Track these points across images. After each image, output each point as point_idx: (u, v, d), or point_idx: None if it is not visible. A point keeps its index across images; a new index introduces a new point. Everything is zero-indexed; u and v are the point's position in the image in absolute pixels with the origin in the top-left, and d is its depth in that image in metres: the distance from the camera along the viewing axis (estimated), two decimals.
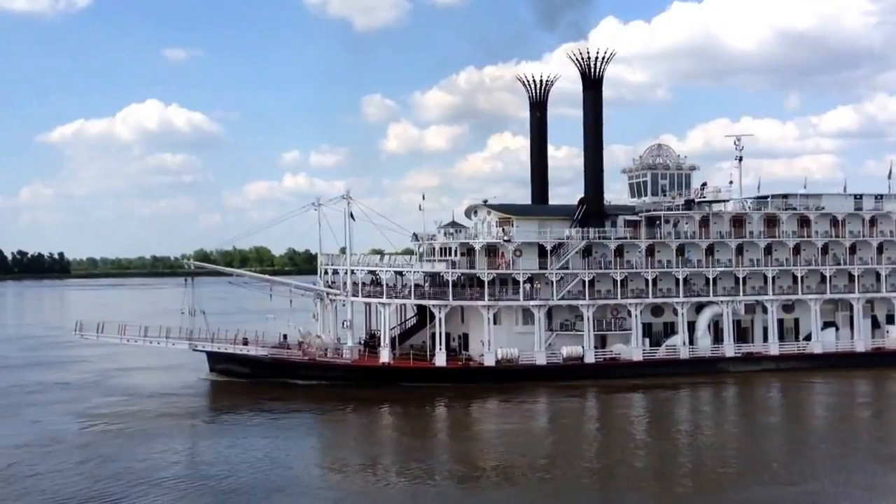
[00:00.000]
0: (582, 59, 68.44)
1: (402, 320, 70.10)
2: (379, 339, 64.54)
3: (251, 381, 60.99)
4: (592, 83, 68.80)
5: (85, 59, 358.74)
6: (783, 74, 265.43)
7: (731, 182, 70.36)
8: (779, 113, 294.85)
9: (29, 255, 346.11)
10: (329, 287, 66.07)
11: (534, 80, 75.90)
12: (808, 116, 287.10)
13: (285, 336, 65.13)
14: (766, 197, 73.50)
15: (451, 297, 61.97)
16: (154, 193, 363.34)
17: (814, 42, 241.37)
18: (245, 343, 62.35)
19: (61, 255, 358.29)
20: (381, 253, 71.69)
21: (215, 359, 62.49)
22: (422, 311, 65.35)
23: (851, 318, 69.71)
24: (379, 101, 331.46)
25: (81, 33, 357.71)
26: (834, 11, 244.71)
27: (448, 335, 65.12)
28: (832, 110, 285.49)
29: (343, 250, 65.32)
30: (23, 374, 68.50)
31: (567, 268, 64.22)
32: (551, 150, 75.97)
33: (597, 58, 68.37)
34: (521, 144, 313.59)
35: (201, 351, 61.80)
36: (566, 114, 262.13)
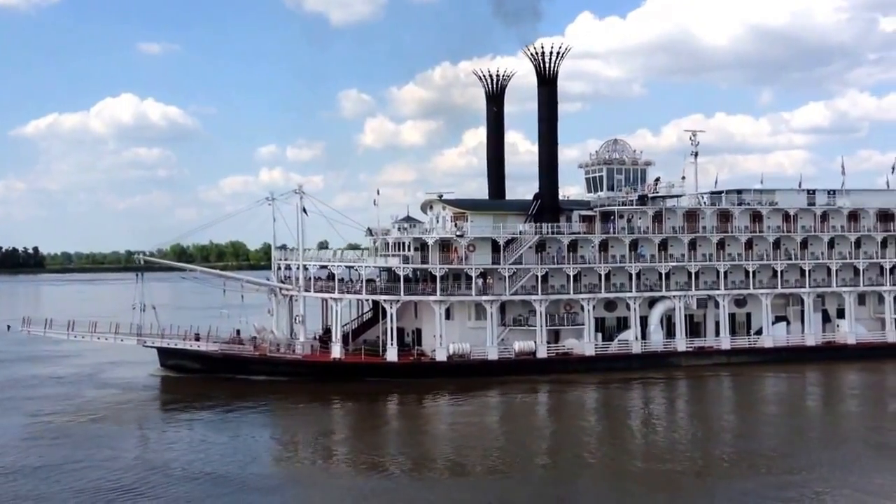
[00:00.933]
0: (536, 54, 67.67)
1: (360, 315, 69.23)
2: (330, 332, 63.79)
3: (202, 377, 59.76)
4: (547, 79, 68.04)
5: (59, 52, 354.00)
6: (756, 70, 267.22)
7: (683, 178, 69.91)
8: (752, 109, 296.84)
9: (3, 250, 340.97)
10: (282, 282, 64.86)
11: (490, 76, 75.12)
12: (781, 112, 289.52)
13: (238, 331, 63.85)
14: (721, 192, 73.18)
15: (402, 293, 60.99)
16: (129, 188, 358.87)
17: (786, 38, 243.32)
18: (197, 338, 61.00)
19: (36, 249, 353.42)
20: (328, 247, 70.26)
21: (166, 354, 61.18)
22: (377, 307, 64.42)
23: (803, 312, 69.55)
24: (355, 95, 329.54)
25: (56, 27, 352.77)
26: (806, 8, 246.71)
27: (402, 330, 64.35)
28: (804, 106, 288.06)
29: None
30: None
31: (520, 263, 63.46)
32: (527, 146, 75.57)
33: (551, 54, 67.65)
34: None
35: (151, 347, 60.40)
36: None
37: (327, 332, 66.05)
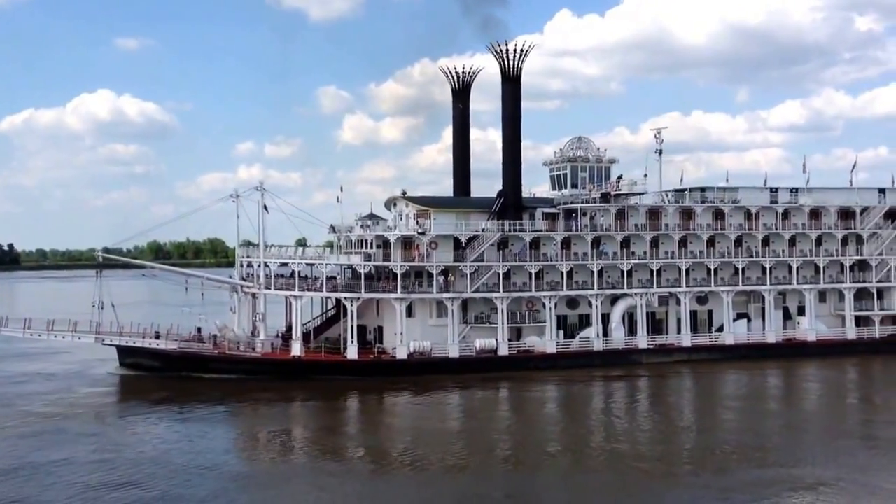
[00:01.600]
0: (500, 52, 66.90)
1: (324, 313, 68.26)
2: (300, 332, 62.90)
3: (160, 376, 58.55)
4: (511, 77, 67.30)
5: (35, 47, 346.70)
6: (733, 69, 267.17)
7: (645, 175, 69.37)
8: (729, 107, 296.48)
9: None
10: (244, 280, 63.75)
11: (456, 73, 74.23)
12: (758, 110, 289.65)
13: (199, 329, 62.72)
14: (685, 190, 72.80)
15: (363, 290, 60.11)
16: (105, 184, 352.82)
17: (763, 37, 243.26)
18: (157, 336, 59.84)
19: (11, 246, 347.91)
20: (306, 245, 69.00)
21: (124, 353, 59.96)
22: (340, 304, 63.48)
23: (764, 309, 69.31)
24: (334, 92, 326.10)
25: (31, 22, 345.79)
26: (782, 7, 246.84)
27: (364, 328, 63.55)
28: (780, 104, 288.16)
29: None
30: None
31: (482, 260, 62.74)
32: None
33: (516, 51, 66.91)
34: (476, 136, 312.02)
35: (109, 345, 59.15)
36: (525, 107, 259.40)
37: (289, 329, 65.01)
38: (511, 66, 66.92)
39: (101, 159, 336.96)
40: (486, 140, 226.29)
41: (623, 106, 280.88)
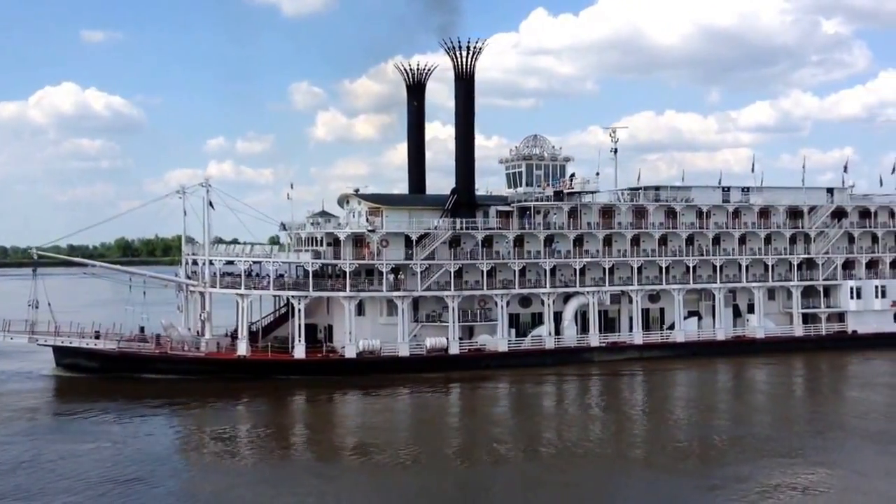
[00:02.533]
0: (453, 50, 65.13)
1: (276, 311, 65.82)
2: (250, 330, 60.46)
3: (100, 377, 55.73)
4: (464, 74, 65.57)
5: None
6: (705, 70, 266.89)
7: (597, 173, 68.13)
8: (701, 107, 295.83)
9: None
10: (189, 277, 61.12)
11: (410, 69, 72.21)
12: (728, 111, 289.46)
13: (142, 328, 59.92)
14: (639, 189, 71.82)
15: (311, 288, 57.91)
16: (70, 180, 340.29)
17: (733, 39, 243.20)
18: (97, 336, 56.98)
19: None
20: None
21: (61, 353, 56.99)
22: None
23: (714, 307, 68.51)
24: (306, 88, 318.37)
25: None
26: (753, 10, 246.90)
27: (315, 326, 61.47)
28: (750, 105, 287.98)
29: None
30: None
31: (433, 258, 60.91)
32: (481, 140, 72.90)
33: (468, 49, 65.19)
34: (449, 134, 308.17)
35: (43, 345, 56.15)
36: (497, 104, 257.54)
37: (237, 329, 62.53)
38: (463, 64, 65.20)
39: (66, 154, 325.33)
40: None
41: (597, 105, 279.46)
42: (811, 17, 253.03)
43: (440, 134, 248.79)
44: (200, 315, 58.91)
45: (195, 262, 61.62)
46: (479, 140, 75.58)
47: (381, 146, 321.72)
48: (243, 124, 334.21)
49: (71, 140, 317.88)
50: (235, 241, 70.18)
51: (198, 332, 59.53)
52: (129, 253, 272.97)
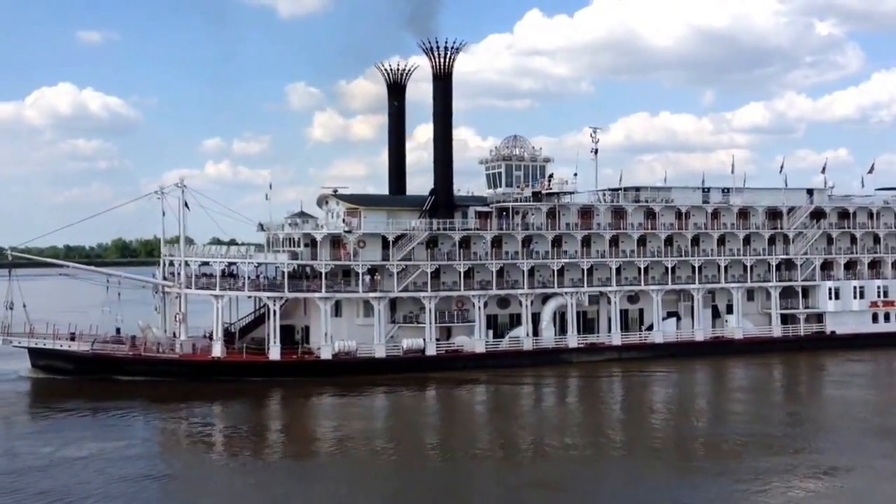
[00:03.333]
0: (431, 50, 64.16)
1: (255, 311, 64.77)
2: (229, 332, 59.66)
3: (75, 379, 54.65)
4: (442, 75, 64.60)
5: None
6: (699, 71, 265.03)
7: (575, 174, 67.14)
8: (695, 108, 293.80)
9: None
10: (165, 279, 60.06)
11: (390, 70, 71.15)
12: (723, 112, 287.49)
13: (118, 330, 58.78)
14: (619, 189, 70.90)
15: (286, 289, 56.90)
16: (67, 180, 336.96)
17: (727, 40, 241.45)
18: (73, 338, 55.88)
19: None
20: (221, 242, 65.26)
21: (37, 355, 55.88)
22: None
23: (693, 308, 67.61)
24: (303, 89, 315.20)
25: None
26: (746, 11, 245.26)
27: (292, 328, 60.46)
28: (745, 106, 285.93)
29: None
30: None
31: (409, 259, 59.93)
32: (477, 141, 71.35)
33: (446, 49, 64.23)
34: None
35: (18, 347, 55.07)
36: (493, 105, 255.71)
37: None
38: (441, 65, 64.24)
39: (62, 155, 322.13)
40: (456, 138, 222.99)
41: (592, 106, 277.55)
42: (805, 18, 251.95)
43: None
44: (176, 316, 57.83)
45: (172, 263, 60.51)
46: (475, 141, 75.20)
47: (378, 146, 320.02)
48: (240, 125, 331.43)
49: (68, 140, 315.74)
50: (219, 242, 68.79)
51: (174, 334, 58.47)
52: (126, 254, 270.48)
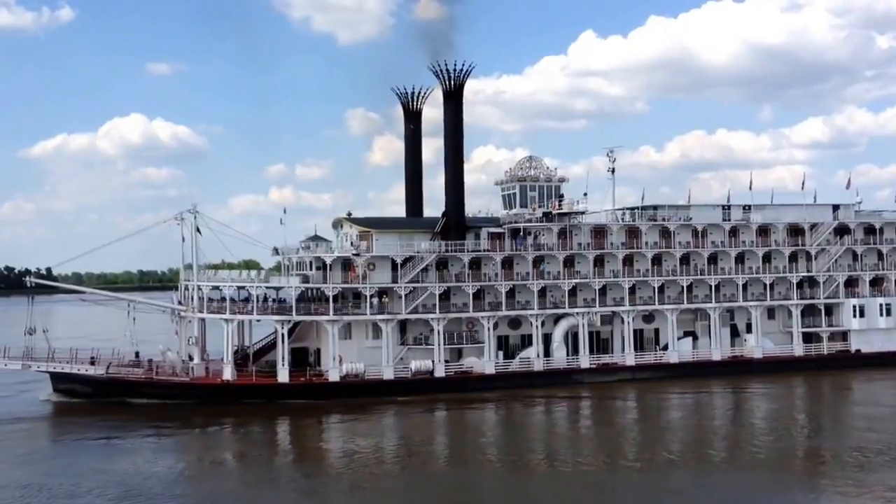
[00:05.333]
0: (442, 71, 62.81)
1: (273, 335, 63.73)
2: (246, 354, 58.86)
3: (93, 402, 54.30)
4: (452, 95, 63.16)
5: (68, 73, 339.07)
6: (756, 87, 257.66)
7: (585, 194, 64.61)
8: (752, 125, 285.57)
9: (16, 271, 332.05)
10: (180, 303, 59.58)
11: (407, 93, 69.95)
12: (781, 128, 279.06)
13: (137, 353, 58.38)
14: (636, 208, 68.22)
15: (294, 312, 55.78)
16: (138, 208, 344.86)
17: (784, 56, 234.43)
18: (92, 362, 55.70)
19: (49, 270, 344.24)
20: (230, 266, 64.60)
21: (58, 378, 55.81)
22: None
23: (710, 327, 64.18)
24: (362, 114, 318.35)
25: (64, 48, 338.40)
26: (803, 26, 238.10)
27: (306, 350, 59.27)
28: (803, 122, 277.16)
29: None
30: None
31: (418, 281, 58.24)
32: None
33: (458, 70, 62.82)
34: (504, 157, 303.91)
35: (38, 371, 55.06)
36: (548, 126, 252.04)
37: (235, 352, 60.66)
38: (452, 86, 62.80)
39: (134, 183, 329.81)
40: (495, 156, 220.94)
41: (648, 125, 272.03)
42: (864, 32, 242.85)
43: (494, 157, 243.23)
44: (189, 339, 57.21)
45: (188, 288, 60.04)
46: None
47: (435, 169, 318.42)
48: (302, 151, 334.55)
49: (139, 169, 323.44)
50: (223, 266, 67.56)
51: (189, 357, 57.82)
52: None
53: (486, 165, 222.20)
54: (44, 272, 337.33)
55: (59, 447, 44.35)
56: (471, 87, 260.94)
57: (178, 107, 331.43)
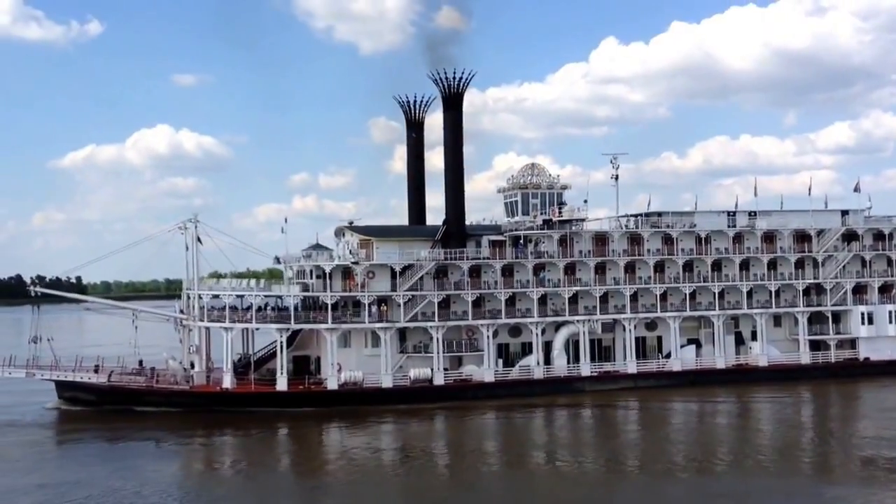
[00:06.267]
0: (442, 80, 62.30)
1: (275, 343, 63.37)
2: (248, 362, 58.54)
3: (96, 410, 54.26)
4: (452, 103, 62.60)
5: (96, 86, 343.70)
6: (780, 92, 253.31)
7: (585, 201, 63.61)
8: (777, 130, 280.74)
9: (47, 280, 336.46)
10: (182, 311, 59.46)
11: (409, 102, 69.51)
12: (806, 133, 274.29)
13: (141, 361, 58.35)
14: (639, 215, 67.02)
15: (292, 321, 55.38)
16: (165, 217, 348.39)
17: (809, 60, 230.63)
18: (96, 370, 55.75)
19: (79, 279, 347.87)
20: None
21: (62, 387, 55.91)
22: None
23: (714, 334, 62.71)
24: (384, 123, 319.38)
25: (92, 61, 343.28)
26: (828, 31, 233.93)
27: (307, 358, 58.84)
28: (829, 126, 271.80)
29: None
30: None
31: (417, 289, 57.59)
32: (555, 170, 68.40)
33: (457, 79, 62.26)
34: (525, 164, 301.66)
35: (42, 379, 55.17)
36: (569, 133, 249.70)
37: (238, 360, 60.50)
38: (452, 94, 62.21)
39: (161, 193, 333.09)
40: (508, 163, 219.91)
41: (670, 131, 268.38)
42: (889, 35, 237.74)
43: (515, 164, 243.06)
44: (190, 348, 57.05)
45: (189, 297, 59.92)
46: (553, 170, 71.01)
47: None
48: (325, 159, 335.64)
49: (166, 179, 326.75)
50: (218, 276, 67.19)
51: (192, 364, 57.64)
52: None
53: (507, 173, 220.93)
54: (73, 281, 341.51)
55: (60, 452, 44.30)
56: (492, 95, 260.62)
57: (204, 117, 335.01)
